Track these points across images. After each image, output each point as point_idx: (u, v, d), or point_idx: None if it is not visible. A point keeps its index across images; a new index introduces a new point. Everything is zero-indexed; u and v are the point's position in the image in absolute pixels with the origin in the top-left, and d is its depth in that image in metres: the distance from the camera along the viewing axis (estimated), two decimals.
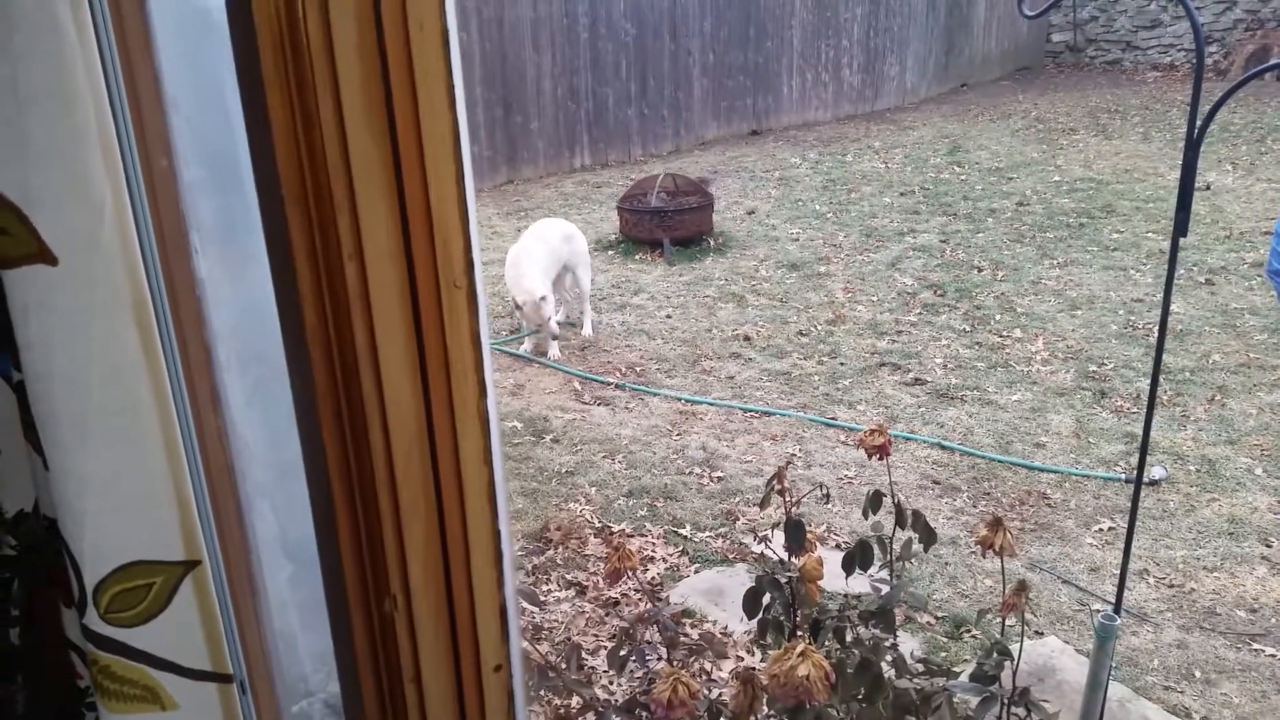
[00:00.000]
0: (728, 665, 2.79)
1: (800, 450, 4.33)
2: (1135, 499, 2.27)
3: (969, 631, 3.06)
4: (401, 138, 0.63)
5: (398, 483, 0.70)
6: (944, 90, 13.47)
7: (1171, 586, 3.30)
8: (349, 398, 0.68)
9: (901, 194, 8.39)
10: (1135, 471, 2.29)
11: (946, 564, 3.42)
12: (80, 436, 0.81)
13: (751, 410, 4.73)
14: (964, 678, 1.69)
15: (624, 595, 3.29)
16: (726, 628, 3.09)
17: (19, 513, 1.08)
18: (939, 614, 3.16)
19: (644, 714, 1.61)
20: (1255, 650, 2.98)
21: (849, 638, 1.68)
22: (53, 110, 0.73)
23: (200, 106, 0.97)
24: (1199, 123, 1.96)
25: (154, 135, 0.86)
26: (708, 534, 3.67)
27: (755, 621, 1.77)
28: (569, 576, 3.40)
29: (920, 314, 5.81)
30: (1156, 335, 2.09)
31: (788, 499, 1.76)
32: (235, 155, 0.98)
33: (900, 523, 1.75)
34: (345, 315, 0.66)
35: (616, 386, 5.00)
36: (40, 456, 0.90)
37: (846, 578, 1.76)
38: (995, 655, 1.65)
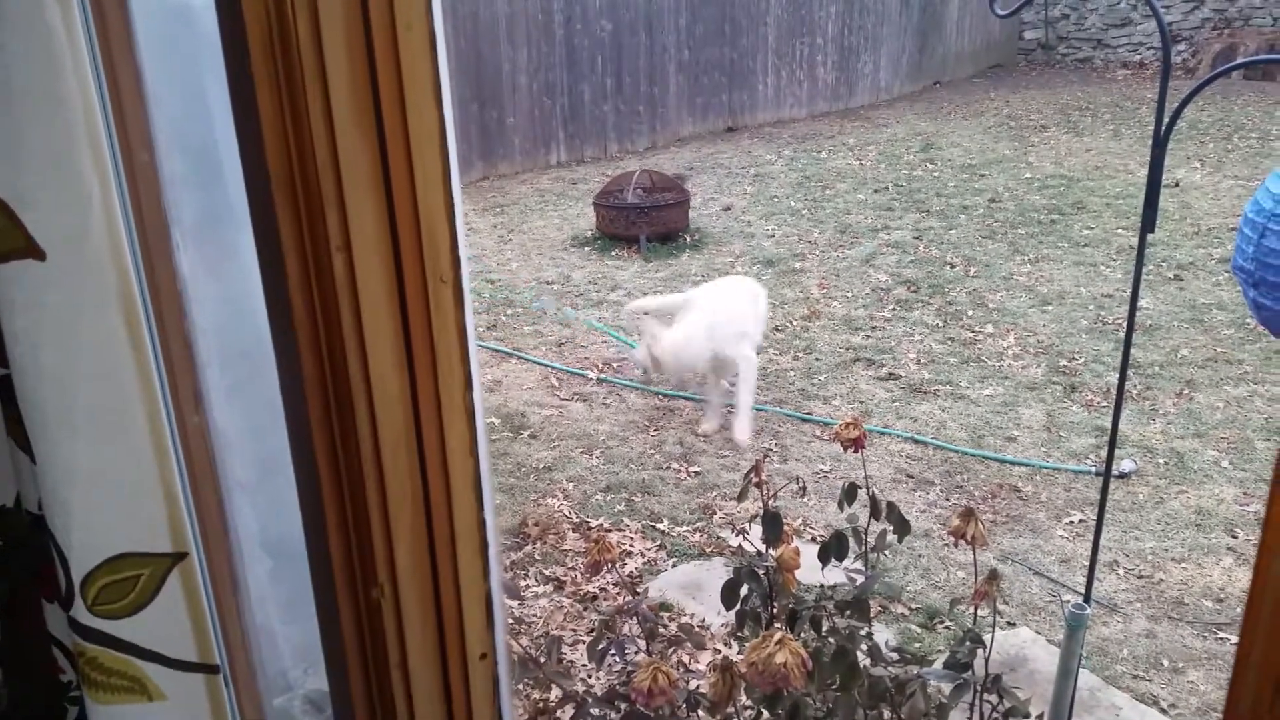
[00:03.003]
0: (705, 658, 2.82)
1: (776, 445, 4.36)
2: (1104, 491, 2.31)
3: (942, 622, 3.10)
4: (389, 134, 0.64)
5: (385, 473, 0.71)
6: (917, 88, 13.55)
7: (1140, 577, 3.36)
8: (337, 389, 0.69)
9: (875, 191, 8.45)
10: (1105, 464, 2.33)
11: (920, 556, 3.46)
12: (68, 430, 0.82)
13: (728, 405, 4.75)
14: (938, 666, 1.72)
15: (602, 590, 3.31)
16: (704, 620, 3.11)
17: (1, 508, 1.08)
18: (912, 605, 3.20)
19: (623, 705, 1.63)
20: (1221, 639, 3.04)
21: (825, 627, 1.71)
22: (41, 108, 0.74)
23: (181, 102, 0.97)
24: (1166, 120, 2.00)
25: (135, 131, 0.86)
26: (685, 528, 3.69)
27: (733, 613, 1.79)
28: (547, 571, 3.42)
29: (894, 310, 5.85)
30: (1125, 330, 2.13)
31: (765, 492, 1.79)
32: (216, 151, 0.99)
33: (875, 514, 1.78)
34: (333, 308, 0.67)
35: (599, 381, 5.01)
36: (25, 451, 0.90)
37: (823, 569, 1.79)
38: (968, 643, 1.68)
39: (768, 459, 4.16)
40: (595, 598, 3.28)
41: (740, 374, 4.34)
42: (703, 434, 4.42)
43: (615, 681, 1.90)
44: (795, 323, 5.71)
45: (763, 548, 1.77)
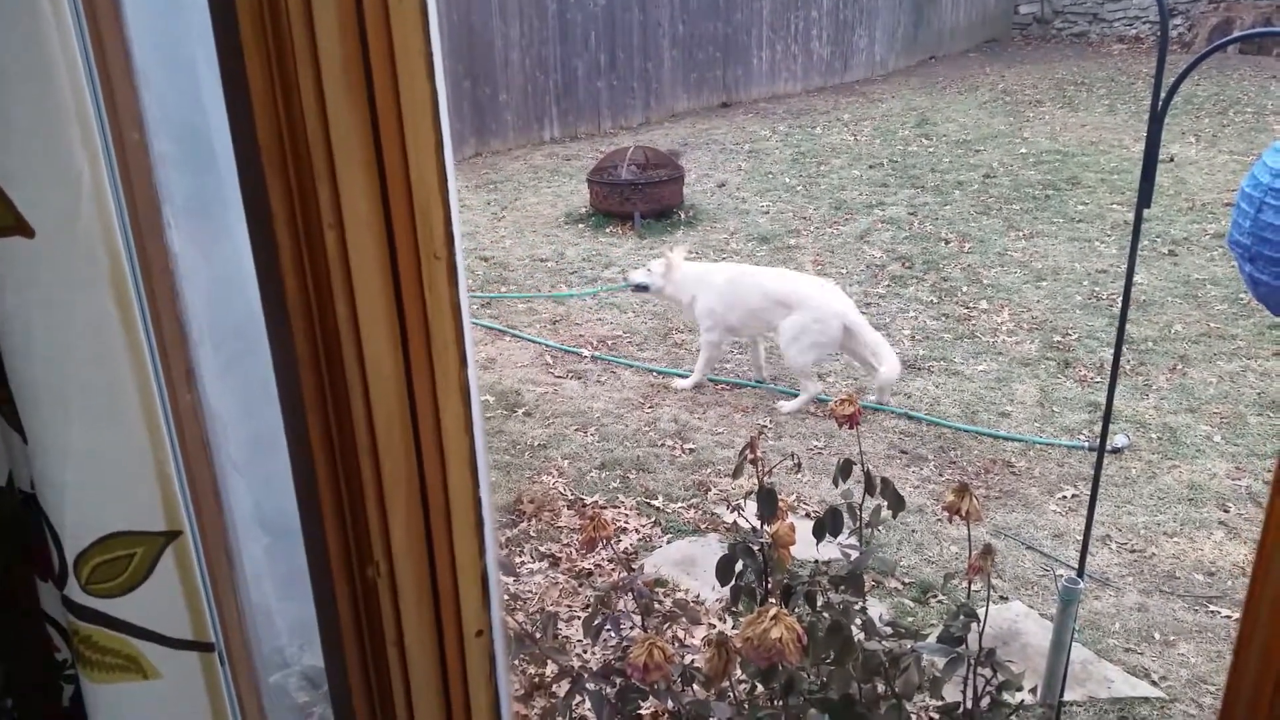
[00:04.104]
0: (700, 633, 2.83)
1: (771, 422, 4.37)
2: (1098, 466, 2.32)
3: (935, 597, 3.12)
4: (380, 108, 0.64)
5: (380, 451, 0.71)
6: (912, 62, 13.48)
7: (1133, 552, 3.38)
8: (330, 367, 0.69)
9: (870, 166, 8.42)
10: (1098, 440, 2.34)
11: (913, 531, 3.47)
12: (60, 409, 0.81)
13: (722, 382, 4.76)
14: (932, 640, 1.73)
15: (597, 566, 3.32)
16: (699, 596, 3.13)
17: None
18: (906, 580, 3.21)
19: (619, 679, 1.63)
20: (1212, 612, 3.07)
21: (820, 602, 1.72)
22: (29, 84, 0.73)
23: (170, 81, 0.96)
24: (1163, 95, 1.99)
25: (125, 110, 0.85)
26: (680, 505, 3.70)
27: (728, 589, 1.80)
28: (542, 548, 3.43)
29: (888, 286, 5.85)
30: (1120, 306, 2.13)
31: (759, 469, 1.79)
32: (206, 130, 0.98)
33: (870, 490, 1.79)
34: (326, 285, 0.66)
35: (593, 359, 5.01)
36: (16, 431, 0.90)
37: (817, 544, 1.79)
38: (962, 617, 1.69)
39: (762, 436, 4.17)
40: (590, 574, 3.29)
41: (702, 346, 4.72)
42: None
43: (611, 657, 1.91)
44: None
45: (757, 524, 1.78)
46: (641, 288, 4.91)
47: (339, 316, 0.67)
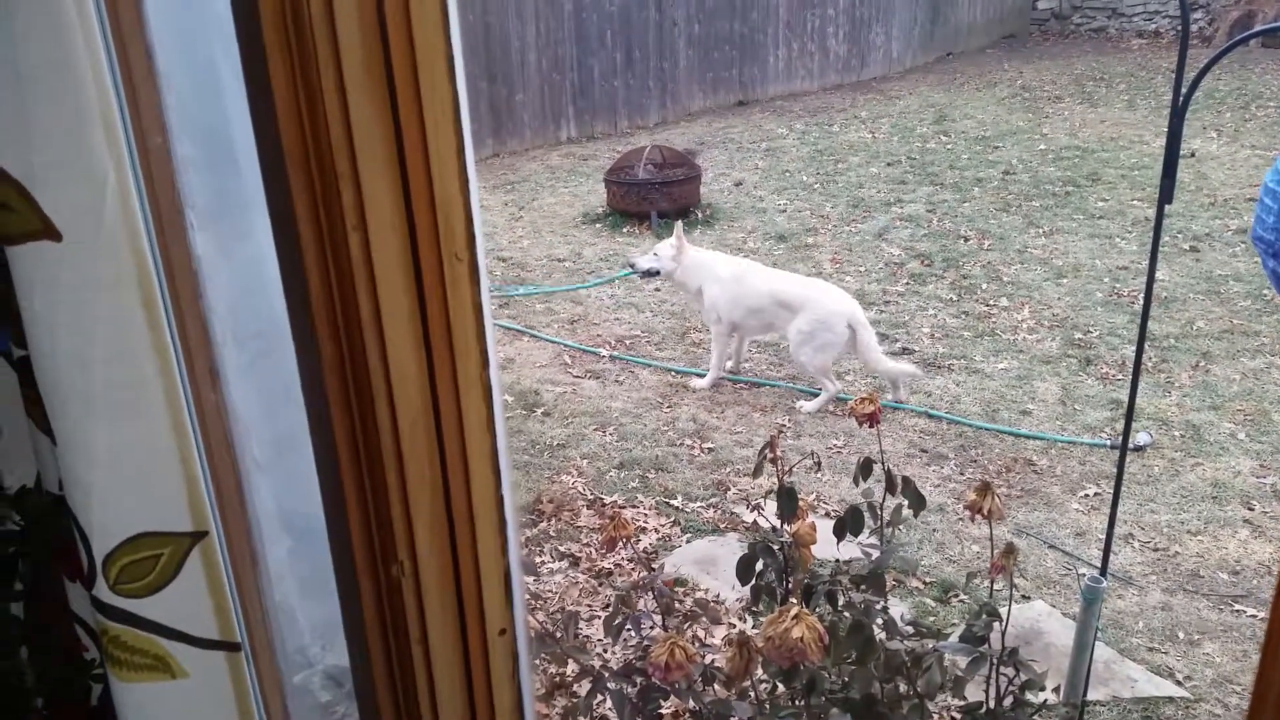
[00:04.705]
0: (719, 632, 2.83)
1: (790, 421, 4.36)
2: (1121, 464, 2.30)
3: (957, 596, 3.10)
4: (402, 110, 0.64)
5: (403, 451, 0.71)
6: (930, 59, 13.41)
7: (1156, 550, 3.35)
8: (354, 368, 0.69)
9: (888, 164, 8.39)
10: (1121, 437, 2.32)
11: (934, 531, 3.46)
12: (87, 411, 0.82)
13: (741, 382, 4.75)
14: (954, 639, 1.73)
15: (617, 566, 3.33)
16: (719, 596, 3.12)
17: (21, 488, 1.09)
18: (927, 579, 3.20)
19: (640, 679, 1.63)
20: (1237, 611, 3.04)
21: (841, 602, 1.71)
22: (54, 87, 0.74)
23: (193, 84, 0.97)
24: (1184, 90, 1.97)
25: (148, 112, 0.86)
26: (699, 504, 3.70)
27: (748, 588, 1.79)
28: (562, 548, 3.43)
29: (908, 284, 5.83)
30: (1142, 302, 2.11)
31: (779, 468, 1.79)
32: (228, 132, 0.99)
33: (890, 489, 1.78)
34: (350, 287, 0.67)
35: (611, 359, 5.01)
36: (45, 432, 0.91)
37: (838, 544, 1.79)
38: (984, 617, 1.68)
39: (782, 435, 4.16)
40: (610, 573, 3.29)
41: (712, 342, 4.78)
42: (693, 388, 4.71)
43: (632, 656, 1.91)
44: None
45: (778, 523, 1.77)
46: (651, 273, 4.86)
47: (363, 317, 0.68)
